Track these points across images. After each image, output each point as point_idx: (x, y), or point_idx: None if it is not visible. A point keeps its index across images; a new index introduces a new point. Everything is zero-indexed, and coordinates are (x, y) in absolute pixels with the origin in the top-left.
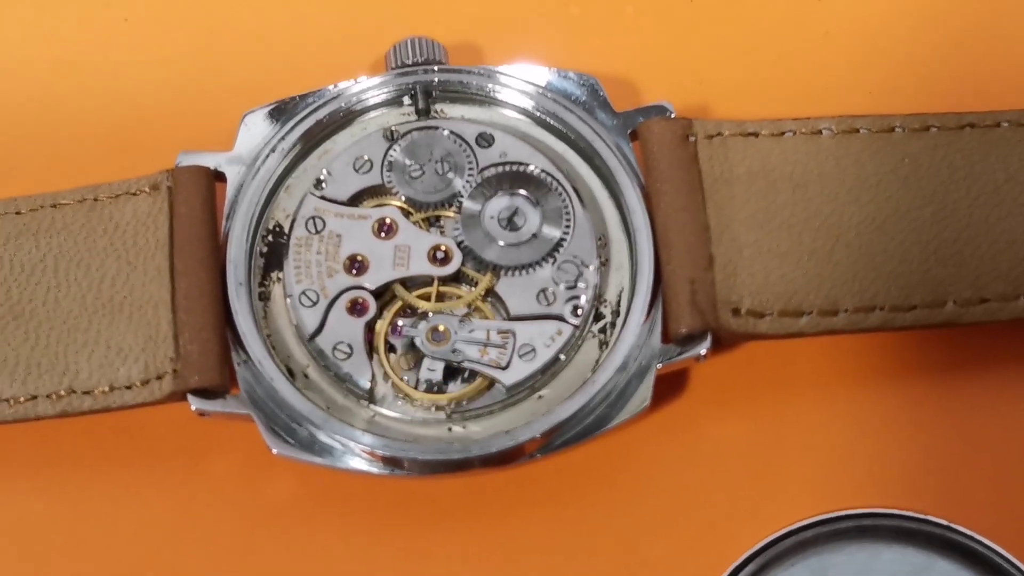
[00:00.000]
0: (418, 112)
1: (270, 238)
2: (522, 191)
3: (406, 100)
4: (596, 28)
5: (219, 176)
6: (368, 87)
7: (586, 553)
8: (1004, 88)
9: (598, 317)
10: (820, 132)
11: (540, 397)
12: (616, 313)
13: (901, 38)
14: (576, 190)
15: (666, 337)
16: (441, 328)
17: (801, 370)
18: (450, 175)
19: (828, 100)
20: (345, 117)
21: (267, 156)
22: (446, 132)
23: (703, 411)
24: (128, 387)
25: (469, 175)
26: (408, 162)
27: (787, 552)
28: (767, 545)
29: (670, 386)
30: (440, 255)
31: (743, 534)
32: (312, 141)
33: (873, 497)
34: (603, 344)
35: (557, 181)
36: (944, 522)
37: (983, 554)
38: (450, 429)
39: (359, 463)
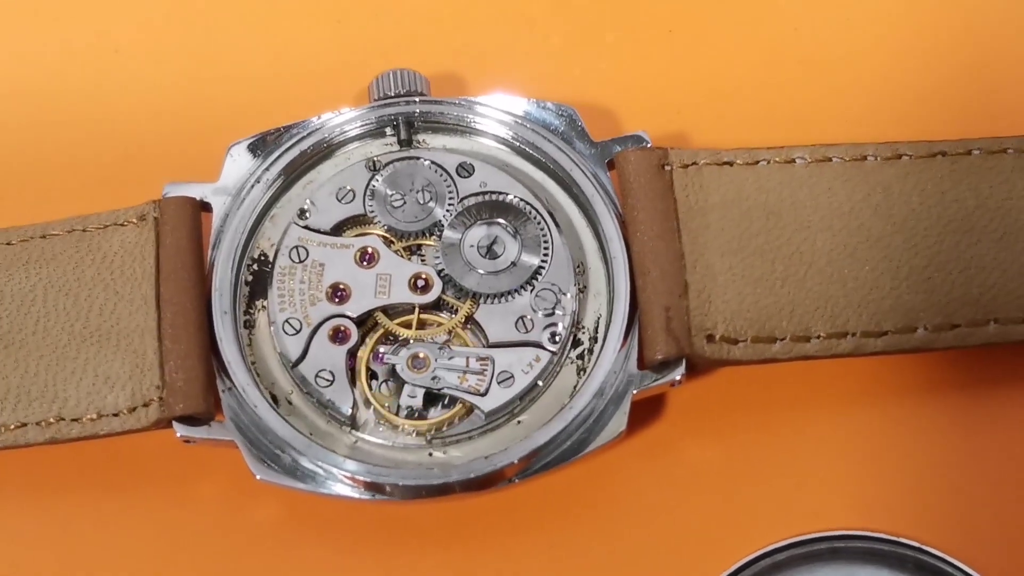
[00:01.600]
0: (400, 143)
1: (255, 267)
2: (501, 220)
3: (388, 131)
4: (576, 58)
5: (205, 206)
6: (351, 118)
7: (565, 575)
8: (977, 116)
9: (576, 343)
10: (794, 161)
11: (519, 422)
12: (594, 339)
13: (876, 68)
14: (554, 219)
15: (642, 363)
16: (421, 355)
17: (776, 394)
18: (431, 204)
19: (804, 128)
20: (328, 148)
21: (252, 187)
22: (427, 162)
23: (679, 435)
24: (115, 415)
25: (449, 204)
26: (390, 192)
27: (762, 574)
28: (741, 567)
29: (647, 410)
30: (421, 283)
31: (718, 557)
32: (296, 172)
33: (846, 519)
34: (581, 370)
35: (535, 210)
36: (916, 544)
37: None
38: (431, 454)
39: (342, 488)
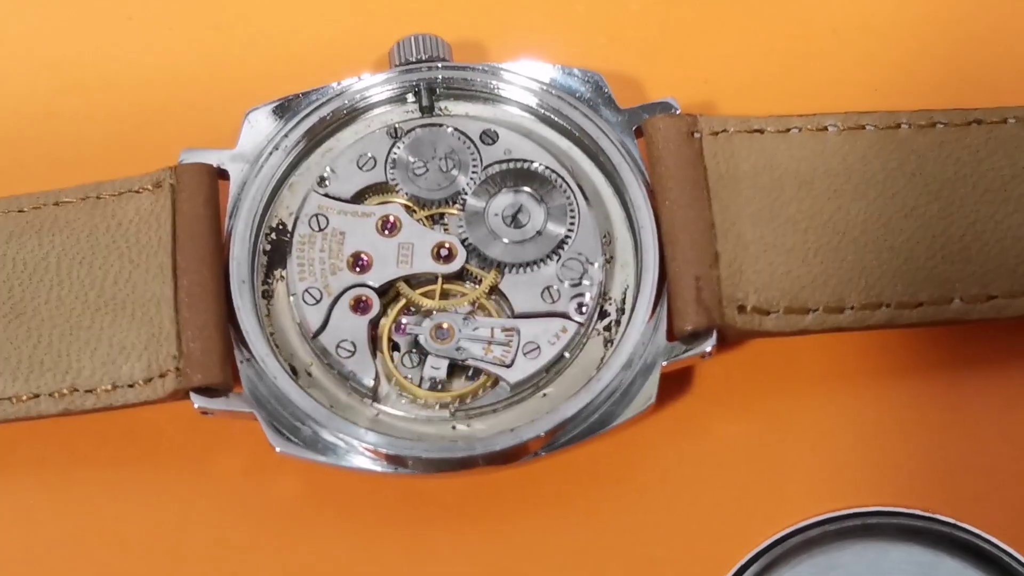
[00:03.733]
0: (422, 109)
1: (273, 236)
2: (526, 188)
3: (410, 97)
4: (601, 25)
5: (222, 174)
6: (372, 84)
7: (591, 551)
8: (1012, 84)
9: (603, 315)
10: (826, 129)
11: (544, 395)
12: (621, 311)
13: (909, 35)
14: (581, 187)
15: (671, 335)
16: (445, 326)
17: (807, 368)
18: (454, 172)
19: (835, 97)
20: (349, 114)
21: (270, 153)
22: (450, 129)
23: (709, 409)
24: (131, 385)
25: (473, 172)
26: (412, 159)
27: (793, 550)
28: (773, 543)
29: (676, 384)
30: (444, 252)
31: (749, 532)
32: (315, 139)
33: (879, 495)
34: (608, 342)
35: (561, 178)
36: (951, 520)
37: (990, 552)
38: (454, 427)
39: (363, 461)
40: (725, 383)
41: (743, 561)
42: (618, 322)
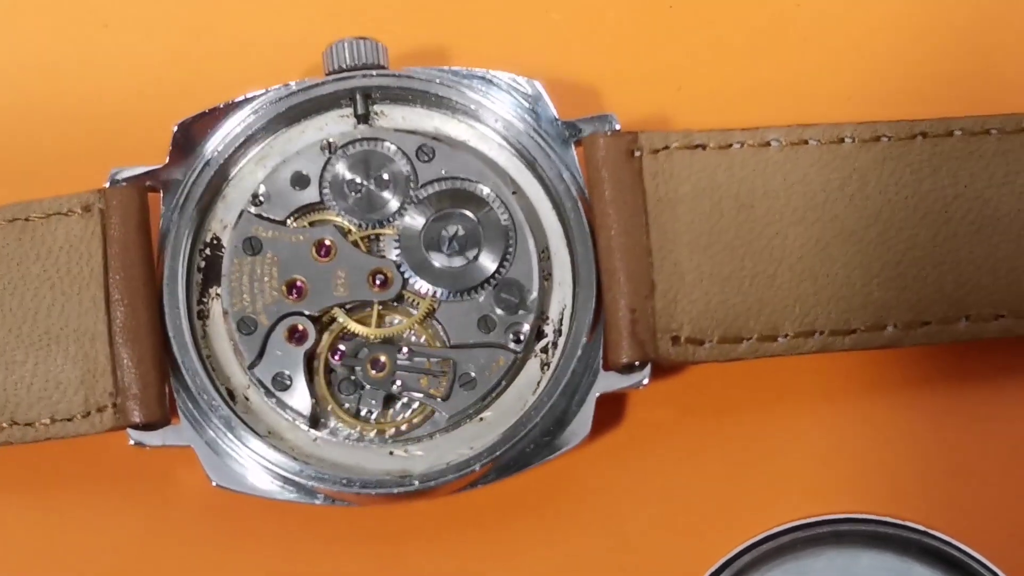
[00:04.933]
0: (357, 117)
1: (207, 252)
2: (464, 211)
3: (344, 102)
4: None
5: (153, 189)
6: (304, 91)
7: (563, 561)
8: (987, 90)
9: (540, 336)
10: (768, 144)
11: (482, 419)
12: (558, 332)
13: (880, 43)
14: (519, 206)
15: (607, 363)
16: (382, 358)
17: (778, 377)
18: (389, 192)
19: (801, 107)
20: (280, 123)
21: (202, 167)
22: (385, 144)
23: (675, 415)
24: (69, 419)
25: (409, 192)
26: (346, 178)
27: (764, 557)
28: (744, 550)
29: (640, 396)
30: (380, 279)
31: (719, 540)
32: (247, 148)
33: (850, 503)
34: (544, 365)
35: (501, 200)
36: (920, 527)
37: (958, 559)
38: (391, 453)
39: (300, 491)
40: (694, 389)
41: (714, 568)
42: (555, 344)
